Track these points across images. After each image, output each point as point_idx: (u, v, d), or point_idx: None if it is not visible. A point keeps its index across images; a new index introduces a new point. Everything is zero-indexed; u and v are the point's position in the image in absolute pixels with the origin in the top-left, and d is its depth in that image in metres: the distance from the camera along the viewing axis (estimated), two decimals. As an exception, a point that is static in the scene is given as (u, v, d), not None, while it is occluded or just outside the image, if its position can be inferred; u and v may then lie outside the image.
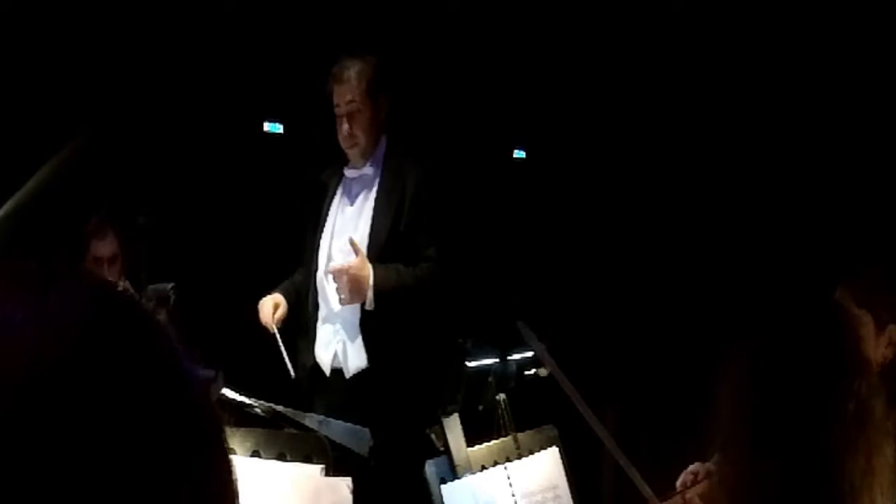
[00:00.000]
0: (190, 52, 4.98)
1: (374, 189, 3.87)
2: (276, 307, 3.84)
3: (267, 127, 5.33)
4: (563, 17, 5.47)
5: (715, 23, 5.37)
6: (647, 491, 2.29)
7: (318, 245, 3.91)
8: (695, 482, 2.26)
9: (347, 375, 3.79)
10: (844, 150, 5.23)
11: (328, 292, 3.84)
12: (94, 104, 4.73)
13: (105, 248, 4.35)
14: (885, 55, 5.06)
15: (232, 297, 4.84)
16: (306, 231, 3.99)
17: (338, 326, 3.83)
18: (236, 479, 0.73)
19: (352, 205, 3.89)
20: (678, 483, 2.30)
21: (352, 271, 3.65)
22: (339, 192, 3.95)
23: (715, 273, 5.32)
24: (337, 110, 3.85)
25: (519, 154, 5.96)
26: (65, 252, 4.29)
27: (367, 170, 3.89)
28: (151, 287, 4.12)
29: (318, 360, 3.84)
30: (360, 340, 3.77)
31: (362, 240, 3.78)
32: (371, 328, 3.76)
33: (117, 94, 4.81)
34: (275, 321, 3.82)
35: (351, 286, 3.66)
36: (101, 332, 0.68)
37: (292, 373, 3.78)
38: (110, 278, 4.27)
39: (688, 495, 2.24)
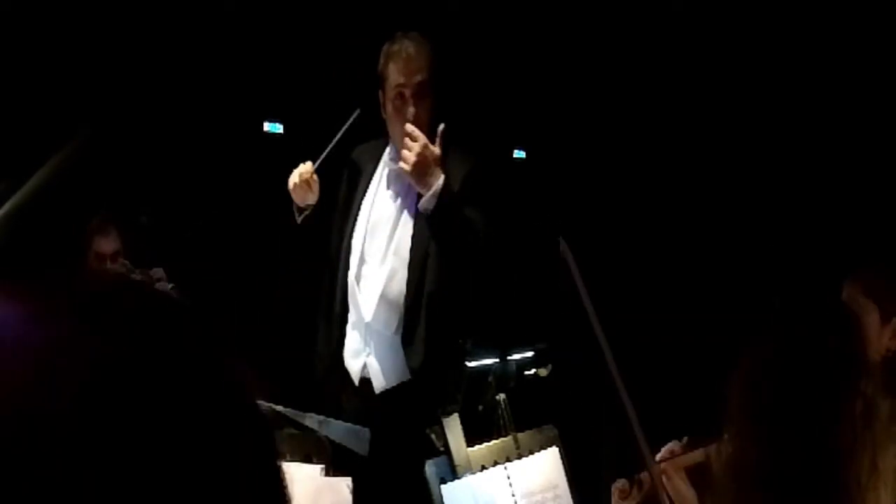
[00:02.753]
0: (190, 52, 4.98)
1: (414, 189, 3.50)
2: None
3: (267, 127, 5.32)
4: (562, 17, 5.47)
5: (715, 23, 5.37)
6: (646, 449, 2.32)
7: (350, 244, 3.55)
8: (672, 456, 2.32)
9: (377, 391, 3.47)
10: (852, 148, 5.23)
11: (359, 299, 3.50)
12: (94, 104, 4.73)
13: (108, 245, 4.38)
14: (886, 55, 5.06)
15: (232, 296, 4.84)
16: (335, 214, 3.64)
17: (369, 338, 3.50)
18: (286, 486, 0.73)
19: (391, 202, 3.53)
20: (658, 457, 2.35)
21: (432, 150, 3.31)
22: (373, 183, 3.59)
23: (722, 274, 5.32)
24: (402, 90, 3.44)
25: (519, 154, 5.95)
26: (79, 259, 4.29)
27: None
28: (151, 287, 4.13)
29: (347, 366, 3.53)
30: (390, 356, 3.46)
31: (403, 244, 3.47)
32: (411, 343, 3.44)
33: (117, 94, 4.81)
34: (305, 178, 3.48)
35: (423, 157, 3.31)
36: (152, 338, 0.68)
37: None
38: None
39: (662, 466, 2.29)
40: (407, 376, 3.44)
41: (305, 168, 3.50)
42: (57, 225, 4.44)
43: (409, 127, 3.33)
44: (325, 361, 3.57)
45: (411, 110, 3.42)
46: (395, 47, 3.49)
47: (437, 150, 3.31)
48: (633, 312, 5.41)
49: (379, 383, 3.47)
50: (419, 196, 3.40)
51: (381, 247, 3.50)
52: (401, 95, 3.45)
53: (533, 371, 3.27)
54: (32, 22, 4.70)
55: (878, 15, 5.05)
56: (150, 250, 4.33)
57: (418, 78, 3.43)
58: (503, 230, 3.58)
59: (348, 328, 3.54)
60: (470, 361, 3.43)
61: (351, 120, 3.51)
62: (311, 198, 3.51)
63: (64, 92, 4.72)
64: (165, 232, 4.57)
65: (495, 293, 3.83)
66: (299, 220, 3.54)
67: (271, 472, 0.72)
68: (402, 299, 3.46)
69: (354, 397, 3.52)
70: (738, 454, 1.61)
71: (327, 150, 3.51)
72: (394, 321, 3.46)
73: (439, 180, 3.32)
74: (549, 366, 3.35)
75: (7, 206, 2.77)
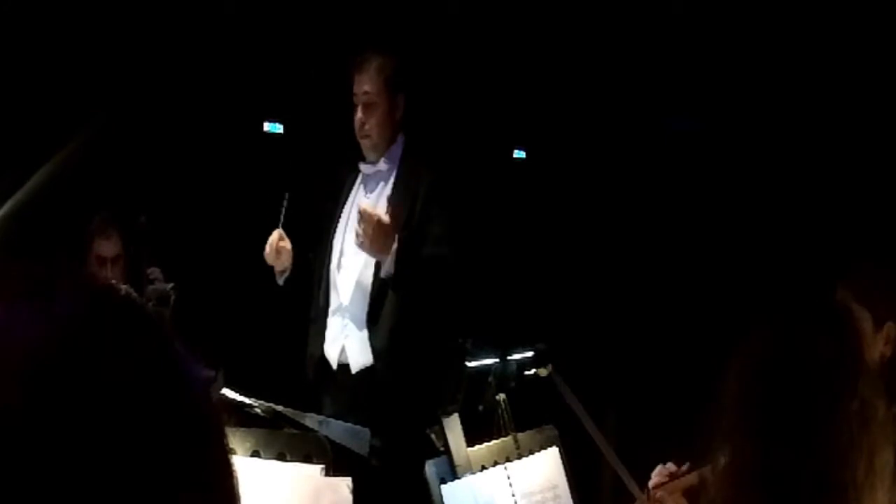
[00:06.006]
0: (190, 53, 4.98)
1: (390, 184, 3.89)
2: (282, 238, 3.88)
3: (267, 127, 5.32)
4: (562, 17, 5.47)
5: (715, 23, 5.37)
6: (635, 489, 2.32)
7: (333, 238, 3.92)
8: (662, 483, 2.30)
9: (353, 371, 3.79)
10: (846, 149, 5.23)
11: (339, 284, 3.85)
12: (94, 104, 4.73)
13: (109, 247, 4.36)
14: (884, 55, 5.06)
15: (232, 297, 4.84)
16: (322, 225, 4.00)
17: (346, 321, 3.83)
18: (237, 479, 0.73)
19: (366, 199, 3.89)
20: (650, 484, 2.33)
21: (383, 219, 3.63)
22: (354, 187, 3.96)
23: (719, 273, 5.32)
24: (354, 99, 3.88)
25: (519, 154, 5.95)
26: (69, 256, 4.30)
27: (382, 166, 3.91)
28: (151, 287, 4.13)
29: (326, 354, 3.85)
30: (365, 335, 3.77)
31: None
32: (376, 323, 3.76)
33: (118, 95, 4.81)
34: (275, 247, 3.84)
35: (376, 232, 3.62)
36: (103, 332, 0.69)
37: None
38: (113, 278, 4.28)
39: (657, 494, 2.28)
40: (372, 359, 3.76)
41: (273, 236, 3.87)
42: (57, 225, 4.44)
43: (362, 205, 3.69)
44: (314, 361, 3.87)
45: (358, 117, 3.85)
46: (356, 59, 3.91)
47: (386, 220, 3.63)
48: (627, 312, 5.42)
49: (355, 363, 3.78)
50: (389, 204, 3.75)
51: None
52: (355, 104, 3.87)
53: (533, 371, 3.27)
54: (32, 23, 4.70)
55: (878, 15, 5.05)
56: (150, 250, 4.33)
57: (365, 88, 3.85)
58: (468, 236, 3.93)
59: (329, 317, 3.86)
60: (470, 361, 3.44)
61: (285, 204, 3.86)
62: (286, 260, 3.90)
63: (64, 92, 4.72)
64: (165, 232, 4.56)
65: (495, 293, 3.89)
66: (281, 282, 3.95)
67: (219, 466, 0.72)
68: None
69: (333, 389, 3.82)
70: (734, 458, 1.61)
71: (283, 212, 3.85)
72: (367, 305, 3.79)
73: (394, 245, 3.66)
74: (549, 366, 3.35)
75: (9, 203, 2.78)
